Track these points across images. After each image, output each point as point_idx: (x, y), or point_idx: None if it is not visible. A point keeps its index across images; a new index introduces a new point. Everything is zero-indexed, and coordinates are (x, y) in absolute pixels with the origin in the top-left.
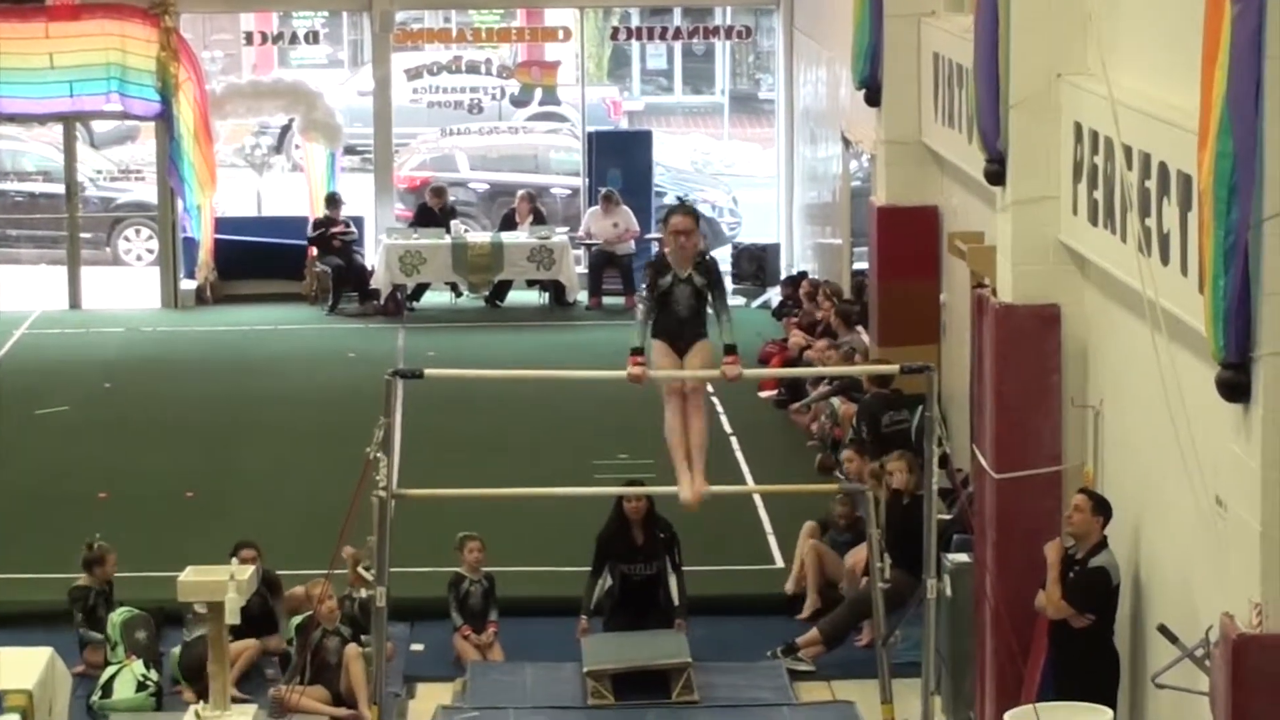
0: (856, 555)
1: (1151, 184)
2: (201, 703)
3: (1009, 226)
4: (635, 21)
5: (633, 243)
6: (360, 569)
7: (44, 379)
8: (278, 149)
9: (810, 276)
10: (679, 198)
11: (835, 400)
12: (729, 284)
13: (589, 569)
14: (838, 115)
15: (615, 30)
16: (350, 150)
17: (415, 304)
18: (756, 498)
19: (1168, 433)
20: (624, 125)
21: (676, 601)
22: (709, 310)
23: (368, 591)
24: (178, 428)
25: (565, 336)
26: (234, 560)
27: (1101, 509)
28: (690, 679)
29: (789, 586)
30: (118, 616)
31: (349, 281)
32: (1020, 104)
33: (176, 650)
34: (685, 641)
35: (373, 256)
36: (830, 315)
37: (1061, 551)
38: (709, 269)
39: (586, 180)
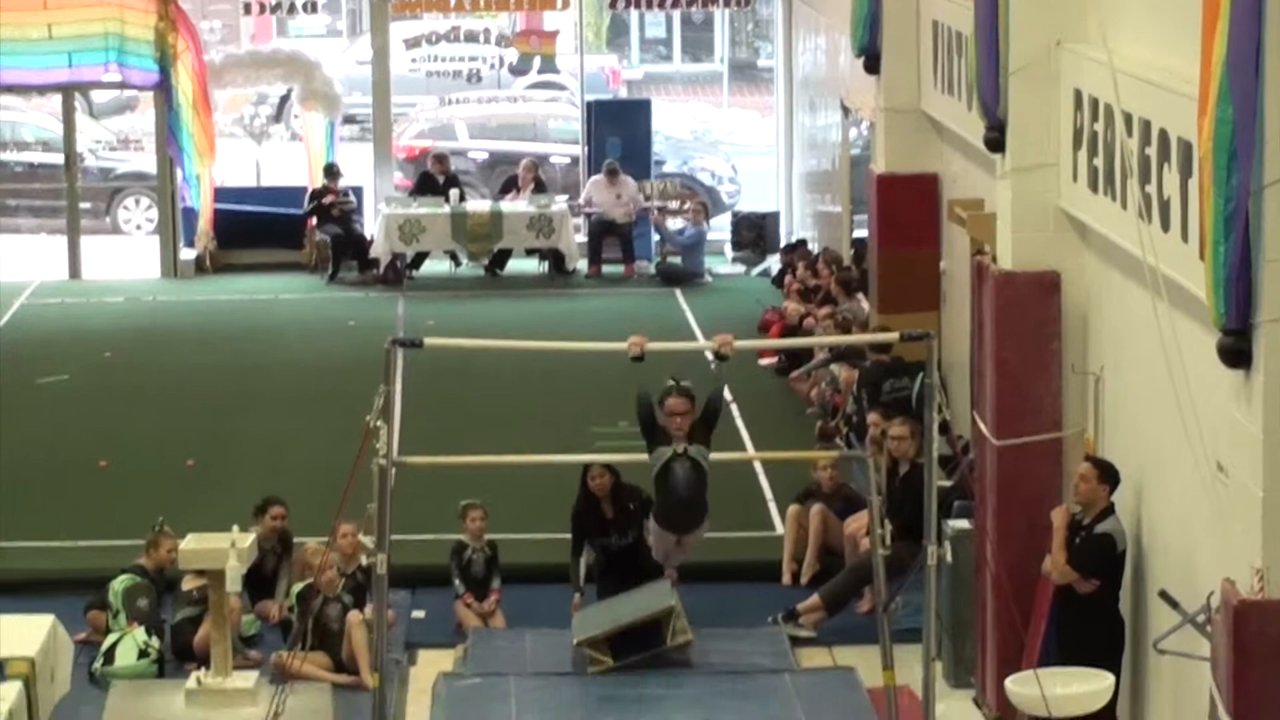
0: (856, 522)
1: (1152, 150)
2: (203, 669)
3: (1009, 194)
4: None
5: (634, 212)
6: (360, 536)
7: (44, 348)
8: (277, 118)
9: (809, 246)
10: (674, 379)
11: (836, 367)
12: (728, 251)
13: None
14: (837, 83)
15: None
16: (349, 119)
17: (415, 273)
18: (757, 465)
19: (1168, 399)
20: (623, 94)
21: None
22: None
23: (369, 559)
24: (178, 396)
25: (564, 305)
26: (265, 517)
27: (1108, 477)
28: (681, 621)
29: (785, 579)
30: (119, 584)
31: (348, 250)
32: (1020, 71)
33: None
34: (668, 589)
35: (372, 225)
36: (830, 283)
37: (1068, 517)
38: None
39: (586, 149)
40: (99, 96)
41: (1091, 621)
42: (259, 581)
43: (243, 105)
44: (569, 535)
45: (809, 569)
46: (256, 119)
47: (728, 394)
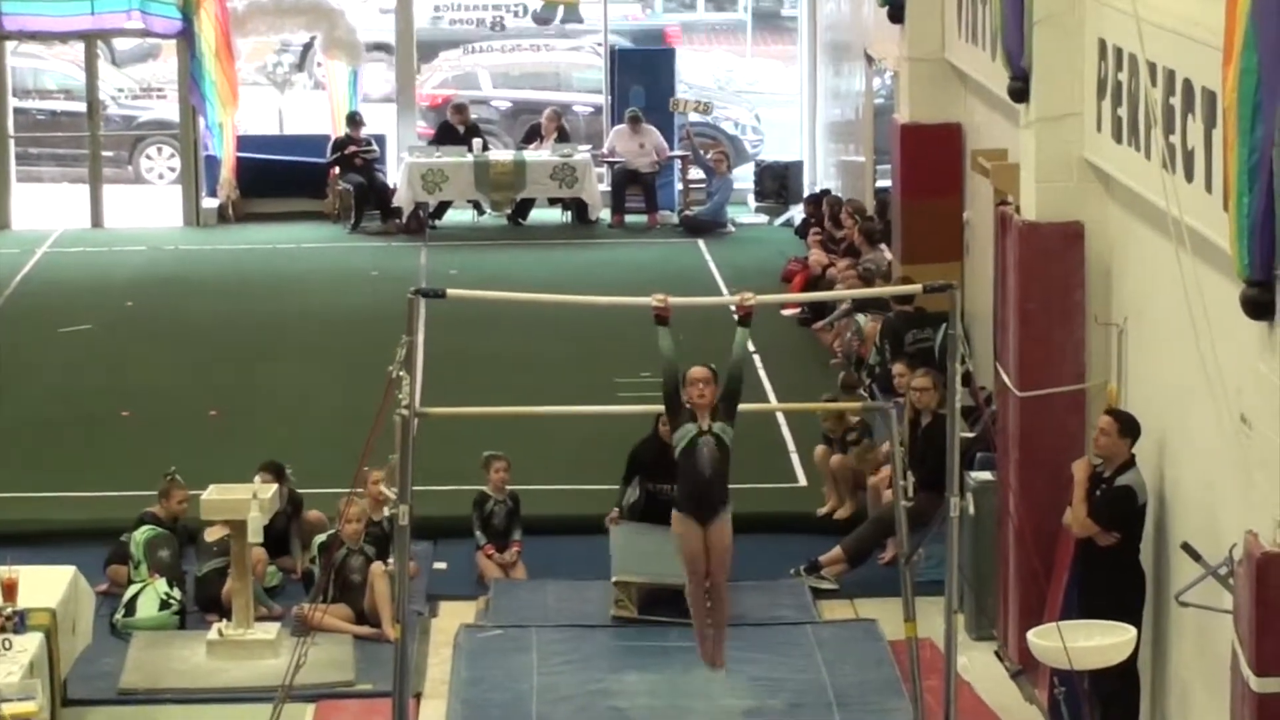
0: (880, 474)
1: (1176, 100)
2: (225, 621)
3: (1032, 144)
4: None
5: (657, 161)
6: (383, 488)
7: (66, 297)
8: (299, 67)
9: (831, 194)
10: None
11: (861, 317)
12: (751, 201)
13: (612, 487)
14: (861, 32)
15: None
16: (378, 46)
17: (437, 222)
18: (779, 416)
19: (1192, 350)
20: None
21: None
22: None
23: (391, 510)
24: (200, 346)
25: (588, 254)
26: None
27: (1129, 430)
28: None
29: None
30: (140, 535)
31: (371, 200)
32: (1044, 20)
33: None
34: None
35: (395, 174)
36: (853, 233)
37: (1089, 469)
38: (730, 410)
39: (609, 98)
40: (121, 44)
41: (1113, 574)
42: (268, 541)
43: (265, 53)
44: (589, 486)
45: (844, 512)
46: (279, 67)
47: (750, 345)
